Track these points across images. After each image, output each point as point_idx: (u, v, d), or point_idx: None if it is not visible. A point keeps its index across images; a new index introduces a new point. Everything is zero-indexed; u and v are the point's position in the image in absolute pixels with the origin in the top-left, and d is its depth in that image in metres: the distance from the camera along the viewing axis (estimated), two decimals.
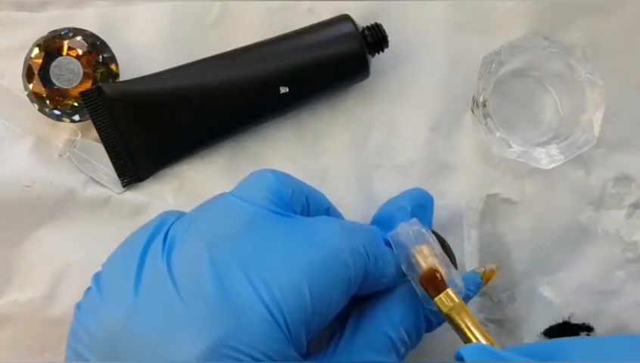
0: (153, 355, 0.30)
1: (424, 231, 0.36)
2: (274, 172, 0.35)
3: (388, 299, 0.36)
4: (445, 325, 0.37)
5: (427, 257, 0.35)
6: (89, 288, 0.34)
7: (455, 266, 0.39)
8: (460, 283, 0.35)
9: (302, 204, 0.36)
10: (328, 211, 0.38)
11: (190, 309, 0.31)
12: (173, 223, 0.34)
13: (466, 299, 0.37)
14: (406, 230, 0.36)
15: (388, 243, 0.36)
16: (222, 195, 0.35)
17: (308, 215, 0.37)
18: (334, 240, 0.33)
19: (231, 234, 0.33)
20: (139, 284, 0.32)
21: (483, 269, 0.39)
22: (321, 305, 0.32)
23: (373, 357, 0.35)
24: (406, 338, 0.36)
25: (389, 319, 0.36)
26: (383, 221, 0.38)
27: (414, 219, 0.37)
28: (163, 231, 0.34)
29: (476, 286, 0.38)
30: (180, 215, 0.36)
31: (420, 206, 0.39)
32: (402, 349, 0.36)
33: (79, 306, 0.33)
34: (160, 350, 0.30)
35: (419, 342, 0.37)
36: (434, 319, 0.37)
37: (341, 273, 0.33)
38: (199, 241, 0.32)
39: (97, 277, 0.34)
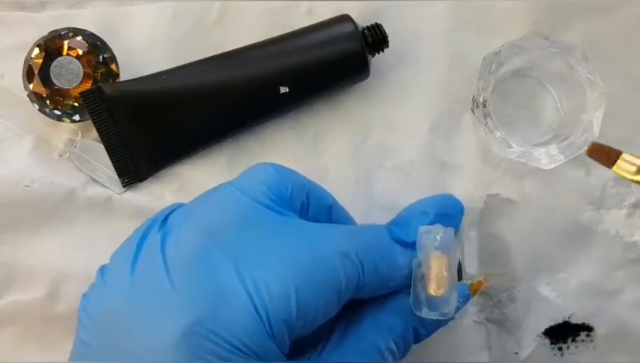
0: (142, 334, 0.31)
1: (452, 244, 0.36)
2: (276, 167, 0.35)
3: (377, 308, 0.36)
4: (439, 332, 0.38)
5: (440, 268, 0.35)
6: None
7: (460, 278, 0.39)
8: (454, 300, 0.35)
9: (302, 201, 0.36)
10: (331, 208, 0.38)
11: (177, 292, 0.31)
12: (173, 211, 0.35)
13: (455, 310, 0.36)
14: (435, 233, 0.36)
15: (403, 243, 0.36)
16: (222, 185, 0.35)
17: (308, 212, 0.37)
18: (325, 245, 0.33)
19: (225, 226, 0.33)
20: (135, 268, 0.32)
21: (471, 281, 0.39)
22: (306, 308, 0.32)
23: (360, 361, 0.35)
24: (394, 348, 0.36)
25: (377, 328, 0.36)
26: (403, 221, 0.38)
27: (451, 229, 0.36)
28: (162, 218, 0.34)
29: (465, 298, 0.38)
30: (182, 205, 0.36)
31: (445, 214, 0.39)
32: (390, 359, 0.35)
33: (84, 295, 0.34)
34: (147, 328, 0.31)
35: (407, 354, 0.37)
36: (423, 331, 0.37)
37: (330, 279, 0.33)
38: (194, 229, 0.33)
39: (102, 269, 0.34)
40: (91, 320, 0.33)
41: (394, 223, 0.39)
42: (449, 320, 0.36)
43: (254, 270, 0.32)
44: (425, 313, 0.35)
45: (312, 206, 0.37)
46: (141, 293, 0.32)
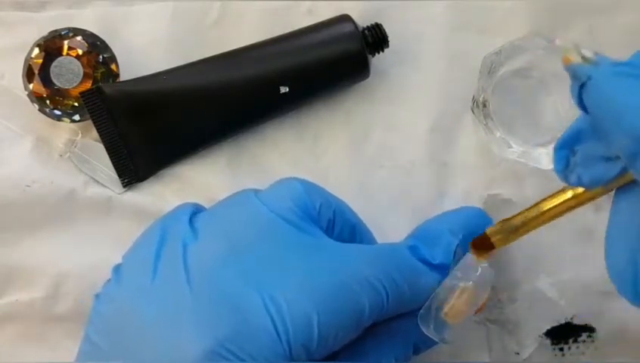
0: (157, 343, 0.31)
1: (487, 285, 0.35)
2: (304, 183, 0.35)
3: (381, 328, 0.36)
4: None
5: (466, 301, 0.35)
6: (109, 280, 0.34)
7: None
8: (460, 332, 0.35)
9: (329, 219, 0.36)
10: (355, 228, 0.37)
11: (198, 306, 0.31)
12: (193, 215, 0.35)
13: None
14: (478, 267, 0.35)
15: (428, 263, 0.36)
16: (249, 196, 0.35)
17: (333, 231, 0.36)
18: (350, 271, 0.33)
19: (250, 242, 0.33)
20: (156, 271, 0.32)
21: None
22: (327, 333, 0.31)
23: None
24: None
25: (380, 347, 0.35)
26: (428, 236, 0.37)
27: (492, 270, 0.36)
28: (184, 222, 0.34)
29: None
30: (199, 207, 0.36)
31: (474, 234, 0.37)
32: None
33: (97, 296, 0.34)
34: (164, 339, 0.31)
35: None
36: (422, 346, 0.37)
37: (353, 307, 0.32)
38: (218, 242, 0.33)
39: (117, 268, 0.34)
40: (103, 321, 0.32)
41: (418, 238, 0.37)
42: None
43: (277, 292, 0.31)
44: (427, 330, 0.35)
45: (337, 224, 0.36)
46: (160, 302, 0.32)
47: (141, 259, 0.33)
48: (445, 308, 0.34)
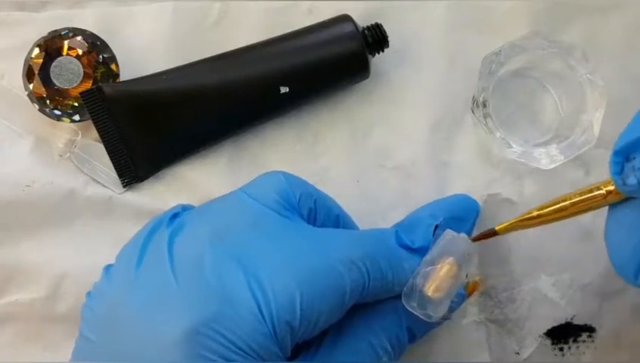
0: (145, 330, 0.31)
1: (471, 261, 0.36)
2: (287, 175, 0.36)
3: (372, 307, 0.36)
4: (435, 332, 0.38)
5: (447, 275, 0.35)
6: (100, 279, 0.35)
7: None
8: (444, 309, 0.35)
9: (310, 208, 0.36)
10: (339, 218, 0.38)
11: (182, 290, 0.32)
12: (179, 212, 0.36)
13: (451, 310, 0.37)
14: (461, 243, 0.36)
15: (409, 248, 0.36)
16: (234, 191, 0.36)
17: (315, 220, 0.37)
18: (332, 251, 0.34)
19: (235, 229, 0.34)
20: (141, 266, 0.33)
21: (467, 281, 0.39)
22: (310, 312, 0.32)
23: (355, 360, 0.35)
24: (388, 347, 0.36)
25: (370, 327, 0.36)
26: (411, 225, 0.38)
27: (475, 249, 0.37)
28: (168, 217, 0.35)
29: (460, 299, 0.38)
30: (188, 207, 0.37)
31: (457, 218, 0.39)
32: (385, 358, 0.36)
33: (89, 294, 0.34)
34: (150, 324, 0.31)
35: (402, 354, 0.37)
36: (417, 331, 0.37)
37: (335, 285, 0.33)
38: (204, 230, 0.34)
39: (107, 267, 0.35)
40: (95, 316, 0.33)
41: (402, 225, 0.39)
42: (445, 320, 0.37)
43: (260, 272, 0.32)
44: (411, 307, 0.35)
45: (319, 214, 0.37)
46: (145, 289, 0.32)
47: (129, 255, 0.34)
48: (427, 284, 0.35)
